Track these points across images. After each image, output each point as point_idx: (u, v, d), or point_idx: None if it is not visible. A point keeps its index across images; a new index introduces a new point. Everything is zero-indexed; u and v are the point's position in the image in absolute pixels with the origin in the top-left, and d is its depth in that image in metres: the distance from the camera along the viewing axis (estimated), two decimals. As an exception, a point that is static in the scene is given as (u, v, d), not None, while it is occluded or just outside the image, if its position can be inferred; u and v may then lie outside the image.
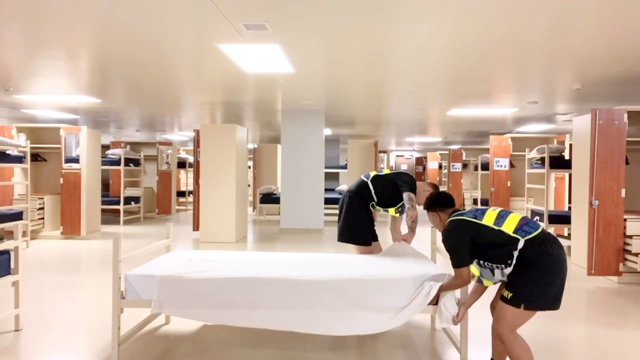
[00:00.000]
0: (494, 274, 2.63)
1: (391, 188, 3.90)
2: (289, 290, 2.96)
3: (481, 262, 2.65)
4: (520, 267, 2.49)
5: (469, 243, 2.61)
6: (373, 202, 3.96)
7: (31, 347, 3.32)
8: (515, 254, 2.48)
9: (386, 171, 4.05)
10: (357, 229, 3.97)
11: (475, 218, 2.63)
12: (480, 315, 3.87)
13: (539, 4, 3.44)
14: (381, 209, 4.05)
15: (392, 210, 3.98)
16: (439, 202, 2.95)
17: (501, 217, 2.59)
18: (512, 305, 2.49)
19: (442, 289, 2.90)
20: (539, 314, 4.08)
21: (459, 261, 2.66)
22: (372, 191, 3.92)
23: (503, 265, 2.54)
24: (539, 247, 2.46)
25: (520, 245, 2.47)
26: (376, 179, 3.97)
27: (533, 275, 2.45)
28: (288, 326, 2.97)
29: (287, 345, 3.38)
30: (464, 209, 2.81)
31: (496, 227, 2.55)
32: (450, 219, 2.75)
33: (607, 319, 4.10)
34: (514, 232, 2.51)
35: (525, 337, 3.59)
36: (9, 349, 3.29)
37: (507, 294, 2.52)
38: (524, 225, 2.53)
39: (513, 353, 2.53)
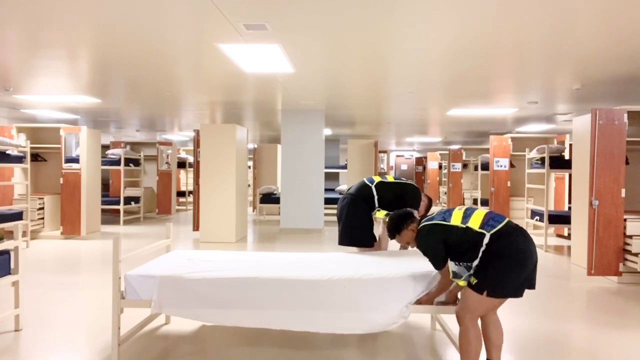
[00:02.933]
0: (463, 271, 2.76)
1: (396, 199, 3.88)
2: (289, 290, 2.96)
3: (455, 263, 2.77)
4: (487, 257, 2.60)
5: (442, 244, 2.72)
6: (375, 208, 3.94)
7: (31, 347, 3.32)
8: (482, 249, 2.60)
9: (390, 178, 4.00)
10: (359, 232, 3.95)
11: (444, 220, 2.74)
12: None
13: (539, 4, 3.44)
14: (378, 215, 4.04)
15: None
16: (409, 215, 2.97)
17: (467, 216, 2.71)
18: (476, 291, 2.61)
19: (435, 294, 2.93)
20: (543, 313, 4.09)
21: (439, 263, 2.77)
22: (375, 197, 3.90)
23: (470, 262, 2.66)
24: (504, 239, 2.59)
25: (487, 240, 2.59)
26: (381, 186, 3.93)
27: (499, 265, 2.57)
28: (288, 325, 2.97)
29: (287, 345, 3.38)
30: (431, 213, 2.91)
31: (463, 225, 2.67)
32: (421, 225, 2.84)
33: (607, 319, 4.10)
34: (480, 227, 2.63)
35: (526, 337, 3.60)
36: (9, 349, 3.29)
37: (473, 280, 2.64)
38: (489, 220, 2.66)
39: (466, 338, 2.67)
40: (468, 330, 2.66)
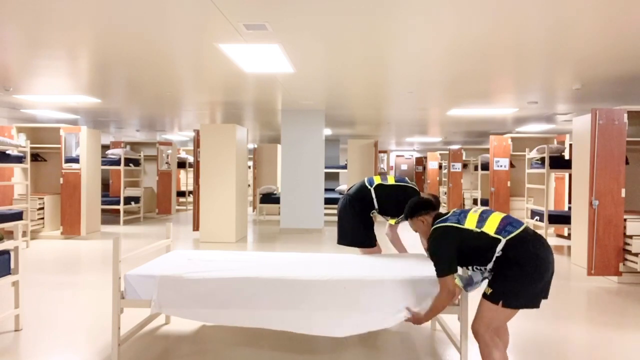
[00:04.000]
0: (476, 278, 2.63)
1: (394, 200, 3.87)
2: (289, 290, 2.96)
3: (468, 267, 2.64)
4: (503, 265, 2.47)
5: (454, 250, 2.57)
6: (374, 210, 3.94)
7: (31, 347, 3.32)
8: (496, 255, 2.47)
9: (390, 180, 3.99)
10: (357, 232, 3.95)
11: (458, 223, 2.59)
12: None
13: (539, 4, 3.44)
14: (380, 216, 4.03)
15: (392, 220, 3.98)
16: (423, 205, 2.89)
17: (482, 220, 2.56)
18: (491, 302, 2.47)
19: (429, 313, 2.79)
20: (543, 313, 4.09)
21: (443, 270, 2.59)
22: (375, 200, 3.89)
23: (484, 268, 2.54)
24: (520, 246, 2.44)
25: (501, 245, 2.46)
26: (380, 189, 3.92)
27: (514, 273, 2.43)
28: (288, 326, 2.96)
29: (287, 345, 3.38)
30: (447, 212, 2.78)
31: (477, 230, 2.53)
32: (435, 226, 2.69)
33: (607, 319, 4.10)
34: (496, 232, 2.49)
35: (526, 337, 3.60)
36: (9, 349, 3.29)
37: (488, 290, 2.50)
38: (507, 225, 2.51)
39: (485, 353, 2.51)
40: (487, 345, 2.49)
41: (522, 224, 2.54)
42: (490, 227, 2.52)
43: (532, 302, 2.47)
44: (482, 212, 2.62)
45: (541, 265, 2.42)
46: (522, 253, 2.43)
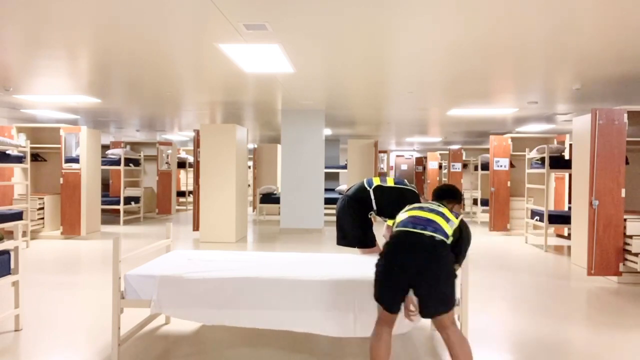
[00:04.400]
0: None
1: (394, 203, 3.87)
2: (289, 290, 2.97)
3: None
4: None
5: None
6: (372, 211, 3.93)
7: (31, 347, 3.32)
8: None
9: (389, 182, 3.98)
10: (356, 233, 3.94)
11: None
12: (480, 315, 3.88)
13: (540, 4, 3.44)
14: (378, 218, 4.03)
15: (389, 222, 3.97)
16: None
17: (413, 209, 2.68)
18: None
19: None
20: (543, 313, 4.09)
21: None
22: (373, 201, 3.89)
23: None
24: (388, 243, 2.61)
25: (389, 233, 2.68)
26: (379, 190, 3.91)
27: (377, 266, 2.59)
28: (287, 326, 2.97)
29: (287, 345, 3.38)
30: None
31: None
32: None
33: (607, 319, 4.10)
34: (398, 222, 2.65)
35: (525, 337, 3.60)
36: (9, 349, 3.29)
37: None
38: (410, 223, 2.57)
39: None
40: (372, 335, 2.63)
41: (423, 227, 2.51)
42: (401, 216, 2.68)
43: (379, 301, 2.57)
44: (425, 206, 2.70)
45: (388, 269, 2.51)
46: (385, 249, 2.59)
